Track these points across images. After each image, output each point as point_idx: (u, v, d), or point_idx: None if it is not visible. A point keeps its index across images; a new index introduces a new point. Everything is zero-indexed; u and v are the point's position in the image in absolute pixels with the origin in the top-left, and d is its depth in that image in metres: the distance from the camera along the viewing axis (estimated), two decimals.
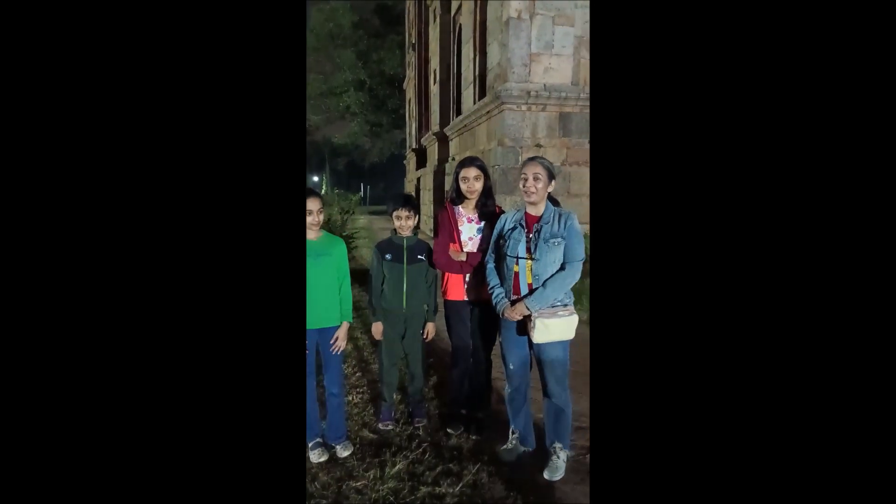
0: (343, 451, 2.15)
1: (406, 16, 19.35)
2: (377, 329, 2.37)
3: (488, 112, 8.03)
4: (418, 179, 14.26)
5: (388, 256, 2.32)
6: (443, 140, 11.70)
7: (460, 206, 2.32)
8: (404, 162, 20.50)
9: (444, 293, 2.34)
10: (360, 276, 3.19)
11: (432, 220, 12.67)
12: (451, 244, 2.27)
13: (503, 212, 2.32)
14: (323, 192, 13.71)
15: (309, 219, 2.06)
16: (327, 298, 2.13)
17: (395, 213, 2.32)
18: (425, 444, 2.19)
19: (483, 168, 2.27)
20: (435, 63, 12.77)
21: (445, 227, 2.31)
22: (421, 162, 14.94)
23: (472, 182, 2.23)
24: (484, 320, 2.27)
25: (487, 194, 2.28)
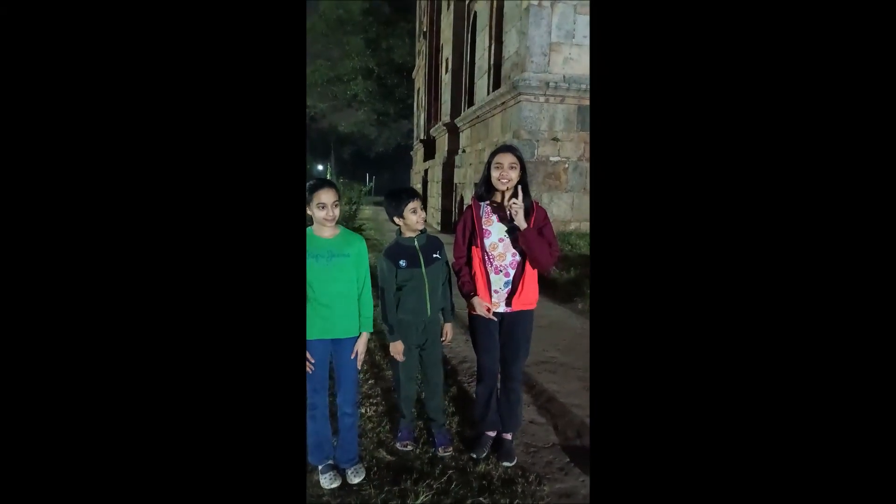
0: (354, 477, 1.90)
1: (417, 3, 18.96)
2: (398, 349, 2.07)
3: (503, 103, 7.74)
4: (426, 171, 13.98)
5: (402, 263, 2.01)
6: (453, 131, 11.40)
7: (489, 203, 2.04)
8: (411, 153, 20.22)
9: (468, 306, 2.07)
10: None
11: (440, 213, 12.39)
12: (474, 248, 2.01)
13: (542, 208, 2.05)
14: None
15: (322, 213, 1.80)
16: (344, 305, 1.88)
17: (408, 208, 1.99)
18: (451, 472, 1.95)
19: (521, 158, 1.97)
20: (447, 52, 12.44)
21: (467, 230, 2.03)
22: (429, 153, 14.63)
23: (505, 170, 1.94)
24: (515, 332, 2.03)
25: (523, 191, 1.96)
